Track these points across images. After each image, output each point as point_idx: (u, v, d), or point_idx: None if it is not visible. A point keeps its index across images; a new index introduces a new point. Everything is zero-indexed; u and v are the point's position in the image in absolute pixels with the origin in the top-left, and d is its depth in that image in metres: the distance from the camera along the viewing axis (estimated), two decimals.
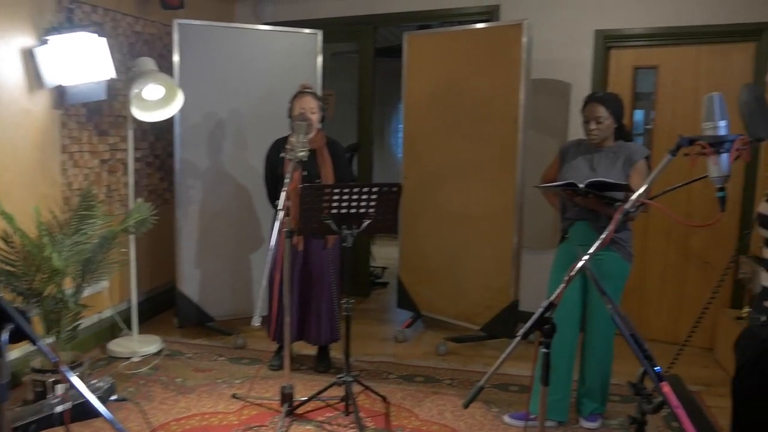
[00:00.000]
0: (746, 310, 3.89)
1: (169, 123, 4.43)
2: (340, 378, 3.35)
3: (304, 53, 4.78)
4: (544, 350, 1.71)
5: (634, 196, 1.64)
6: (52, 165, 3.91)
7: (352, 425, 3.29)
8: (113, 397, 2.88)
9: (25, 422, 2.55)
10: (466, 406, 1.78)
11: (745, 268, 3.94)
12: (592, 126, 3.16)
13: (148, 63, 4.17)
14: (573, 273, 1.67)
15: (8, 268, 3.28)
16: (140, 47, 4.64)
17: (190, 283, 4.62)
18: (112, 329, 4.41)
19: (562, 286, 1.63)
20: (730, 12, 4.27)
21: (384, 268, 6.54)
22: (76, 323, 3.55)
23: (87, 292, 3.68)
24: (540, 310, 1.67)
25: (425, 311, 4.86)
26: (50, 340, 3.43)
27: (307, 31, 4.81)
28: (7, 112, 3.55)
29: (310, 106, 3.77)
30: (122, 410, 3.37)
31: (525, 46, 4.08)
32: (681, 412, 1.20)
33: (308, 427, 3.32)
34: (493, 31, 4.36)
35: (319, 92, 4.61)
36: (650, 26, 4.50)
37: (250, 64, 4.63)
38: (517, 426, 3.35)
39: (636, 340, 1.42)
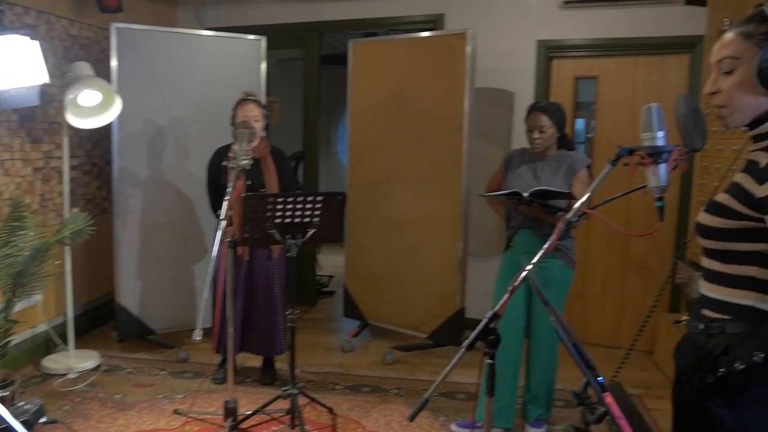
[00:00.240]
0: (685, 317, 4.00)
1: (106, 130, 4.29)
2: (285, 390, 3.29)
3: (247, 59, 4.71)
4: (489, 361, 1.70)
5: (576, 205, 1.65)
6: None
7: None
8: (42, 420, 2.75)
9: None
10: (411, 419, 1.75)
11: (682, 273, 4.06)
12: (536, 135, 3.20)
13: (84, 68, 4.03)
14: (517, 283, 1.66)
15: None
16: (76, 51, 4.48)
17: (129, 295, 4.47)
18: (47, 345, 4.23)
19: (506, 296, 1.63)
20: (666, 25, 4.41)
21: (330, 277, 6.49)
22: (6, 340, 3.38)
23: (19, 307, 3.51)
24: (484, 320, 1.66)
25: (372, 320, 4.83)
26: None
27: (250, 37, 4.74)
28: None
29: (253, 114, 3.71)
30: None
31: (469, 54, 4.11)
32: (624, 423, 1.21)
33: None
34: (438, 40, 4.38)
35: (263, 99, 4.55)
36: (590, 37, 4.61)
37: (192, 70, 4.53)
38: None
39: (578, 350, 1.43)
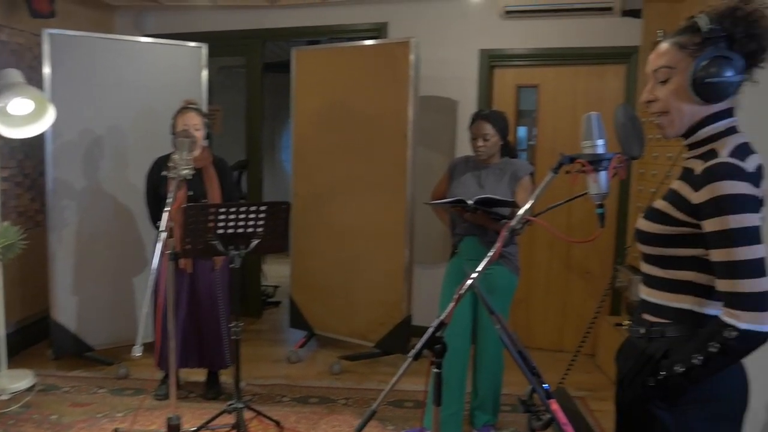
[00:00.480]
0: (626, 321, 4.09)
1: (39, 139, 4.13)
2: (230, 405, 3.23)
3: (188, 67, 4.62)
4: (436, 370, 1.69)
5: (520, 213, 1.66)
6: None
7: None
8: None
9: None
10: (358, 431, 1.73)
11: (622, 277, 4.16)
12: (480, 143, 3.23)
13: (15, 75, 3.87)
14: (462, 291, 1.66)
15: None
16: (6, 58, 4.30)
17: (66, 311, 4.30)
18: None
19: (451, 305, 1.63)
20: (604, 36, 4.53)
21: (276, 287, 6.40)
22: None
23: None
24: (431, 329, 1.65)
25: (319, 330, 4.78)
26: None
27: (191, 44, 4.65)
28: None
29: (194, 123, 3.64)
30: None
31: (413, 63, 4.13)
32: (569, 430, 1.21)
33: None
34: (382, 48, 4.39)
35: (204, 108, 4.46)
36: (531, 47, 4.69)
37: (130, 77, 4.40)
38: None
39: (523, 357, 1.43)
